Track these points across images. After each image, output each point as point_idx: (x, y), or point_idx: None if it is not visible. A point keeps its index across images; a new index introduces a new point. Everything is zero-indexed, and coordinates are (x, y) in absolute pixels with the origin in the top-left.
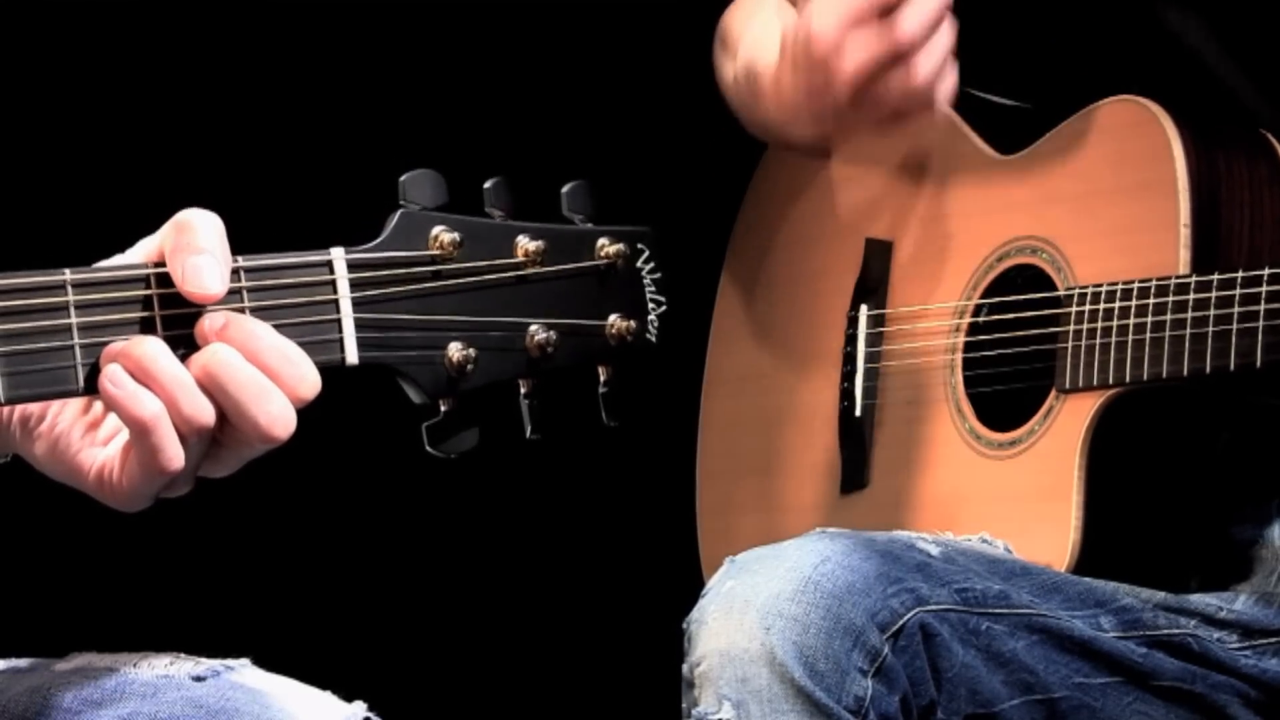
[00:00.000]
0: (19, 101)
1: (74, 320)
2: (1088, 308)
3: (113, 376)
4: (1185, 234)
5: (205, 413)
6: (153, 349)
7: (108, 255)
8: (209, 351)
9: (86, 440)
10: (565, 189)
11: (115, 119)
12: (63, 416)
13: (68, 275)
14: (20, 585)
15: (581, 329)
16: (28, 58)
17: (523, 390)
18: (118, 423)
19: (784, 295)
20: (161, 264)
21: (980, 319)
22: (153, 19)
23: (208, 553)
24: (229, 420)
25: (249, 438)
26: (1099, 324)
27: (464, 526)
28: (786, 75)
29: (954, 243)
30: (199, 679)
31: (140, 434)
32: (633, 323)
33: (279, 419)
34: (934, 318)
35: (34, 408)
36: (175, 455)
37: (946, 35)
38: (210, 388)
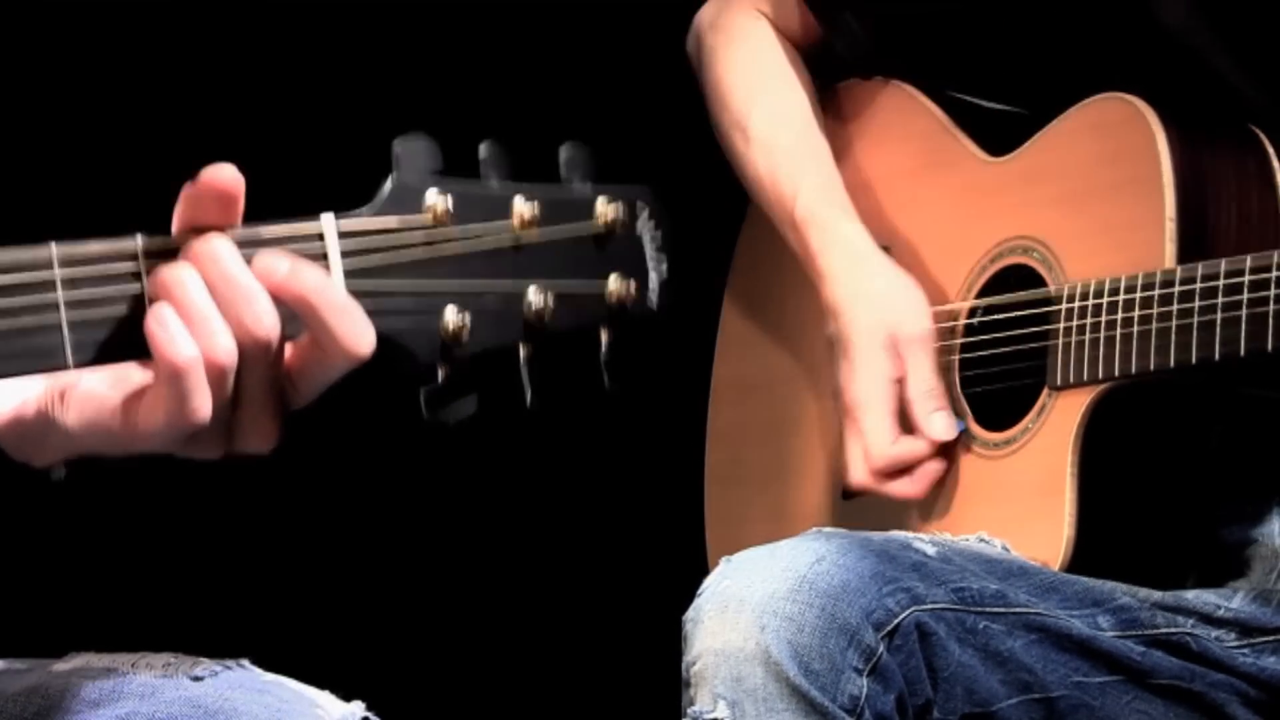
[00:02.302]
0: (6, 80)
1: (60, 295)
2: (1076, 304)
3: (159, 316)
4: (1171, 229)
5: (268, 321)
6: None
7: (96, 228)
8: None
9: (117, 391)
10: (562, 151)
11: (102, 90)
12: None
13: (54, 249)
14: (19, 585)
15: (580, 292)
16: (16, 37)
17: (522, 356)
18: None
19: (787, 304)
20: (149, 235)
21: (975, 320)
22: None
23: (206, 552)
24: (316, 340)
25: (333, 356)
26: (1088, 320)
27: (463, 524)
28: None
29: (949, 246)
30: (197, 679)
31: (171, 378)
32: (632, 284)
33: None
34: (931, 320)
35: (70, 377)
36: (203, 405)
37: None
38: (297, 297)
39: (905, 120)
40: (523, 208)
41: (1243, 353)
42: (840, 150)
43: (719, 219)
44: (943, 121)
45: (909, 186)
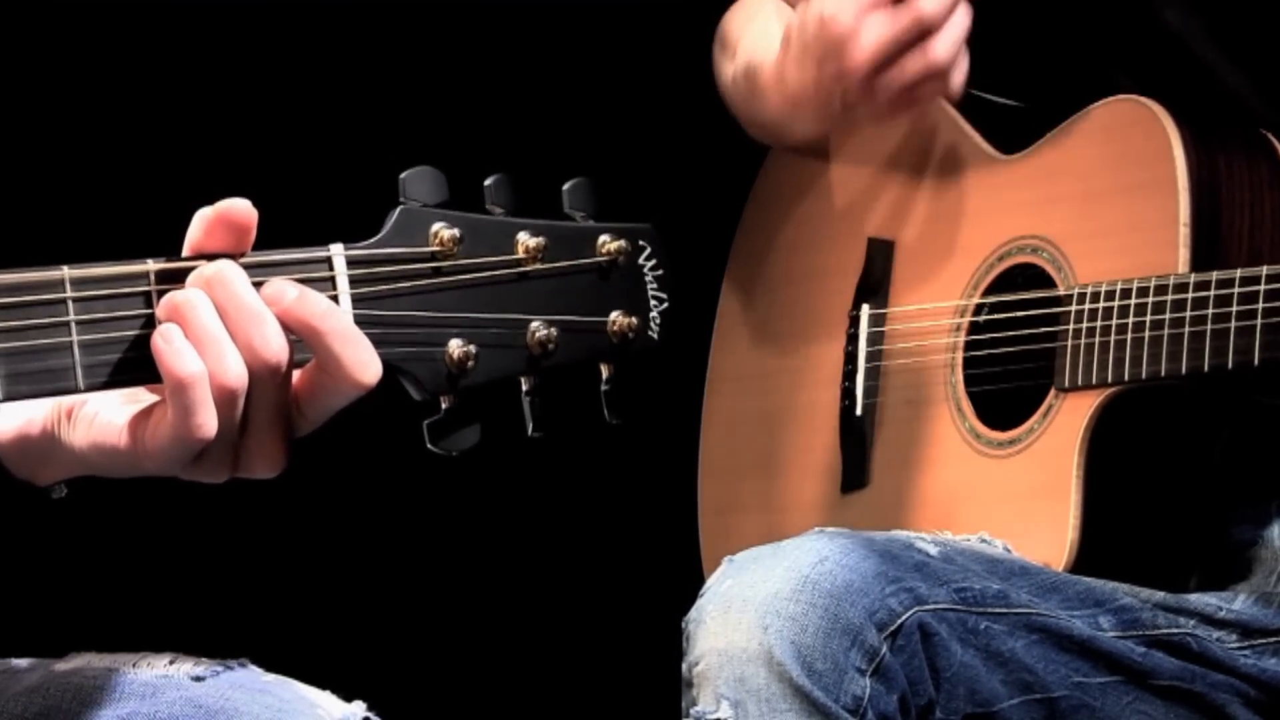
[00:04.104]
0: (20, 100)
1: (72, 317)
2: (1087, 307)
3: (164, 333)
4: (1185, 233)
5: (277, 345)
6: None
7: (108, 252)
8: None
9: (125, 411)
10: (566, 186)
11: (117, 116)
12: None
13: (66, 272)
14: (20, 585)
15: (583, 326)
16: (28, 57)
17: (524, 388)
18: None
19: (786, 295)
20: (162, 259)
21: (981, 318)
22: (155, 16)
23: (207, 553)
24: (323, 366)
25: (340, 382)
26: (1098, 323)
27: (465, 525)
28: (792, 67)
29: (956, 242)
30: (198, 679)
31: (176, 391)
32: (634, 320)
33: (371, 363)
34: (935, 317)
35: (77, 396)
36: (208, 421)
37: (964, 14)
38: (304, 323)
39: (917, 114)
40: (527, 241)
41: (1257, 361)
42: (850, 145)
43: (721, 254)
44: (954, 118)
45: (918, 181)
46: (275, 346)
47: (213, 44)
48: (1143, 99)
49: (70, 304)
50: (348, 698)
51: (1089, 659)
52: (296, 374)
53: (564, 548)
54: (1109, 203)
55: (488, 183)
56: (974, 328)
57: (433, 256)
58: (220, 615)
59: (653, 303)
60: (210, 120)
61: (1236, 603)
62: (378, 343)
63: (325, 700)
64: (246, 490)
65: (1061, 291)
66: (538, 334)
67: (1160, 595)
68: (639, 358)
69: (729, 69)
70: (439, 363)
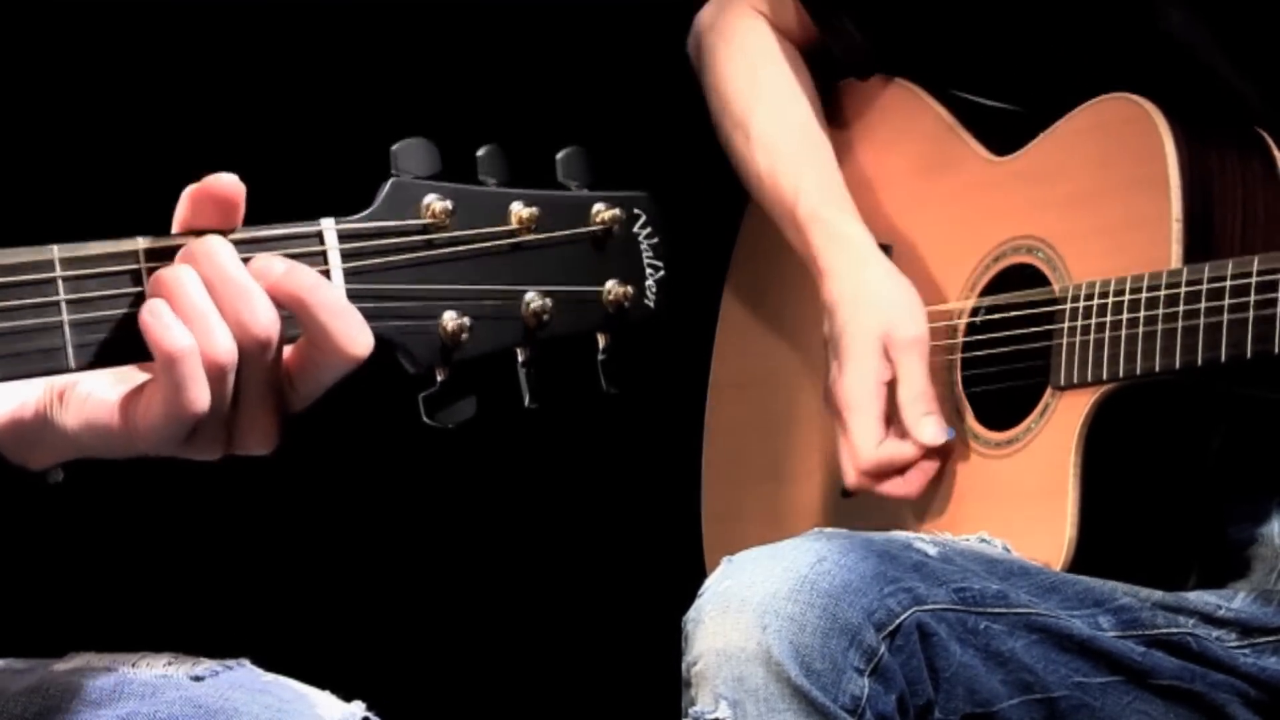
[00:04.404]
0: (5, 81)
1: (62, 297)
2: (1081, 304)
3: (152, 309)
4: (1177, 229)
5: (266, 319)
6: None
7: (97, 230)
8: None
9: (117, 390)
10: (560, 156)
11: (105, 94)
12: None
13: (55, 251)
14: (19, 585)
15: (578, 296)
16: (12, 38)
17: (520, 359)
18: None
19: (787, 300)
20: (151, 237)
21: (978, 319)
22: None
23: (206, 552)
24: (313, 340)
25: (330, 356)
26: (1092, 320)
27: (463, 524)
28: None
29: (952, 245)
30: (198, 679)
31: (166, 366)
32: (630, 289)
33: (361, 336)
34: (933, 319)
35: (69, 378)
36: (199, 395)
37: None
38: (292, 296)
39: (910, 119)
40: (521, 211)
41: (1249, 354)
42: (844, 148)
43: (716, 222)
44: (947, 120)
45: (913, 185)
46: (264, 321)
47: (201, 20)
48: (1134, 97)
49: (60, 283)
50: (348, 698)
51: (1089, 659)
52: (288, 349)
53: (564, 546)
54: (1102, 201)
55: (480, 153)
56: (971, 329)
57: (425, 229)
58: (220, 615)
59: (649, 271)
60: (198, 96)
61: (1236, 601)
62: (370, 316)
63: (325, 700)
64: (244, 489)
65: (1056, 290)
66: (532, 305)
67: (1159, 594)
68: (636, 327)
69: (743, 147)
70: (433, 335)
